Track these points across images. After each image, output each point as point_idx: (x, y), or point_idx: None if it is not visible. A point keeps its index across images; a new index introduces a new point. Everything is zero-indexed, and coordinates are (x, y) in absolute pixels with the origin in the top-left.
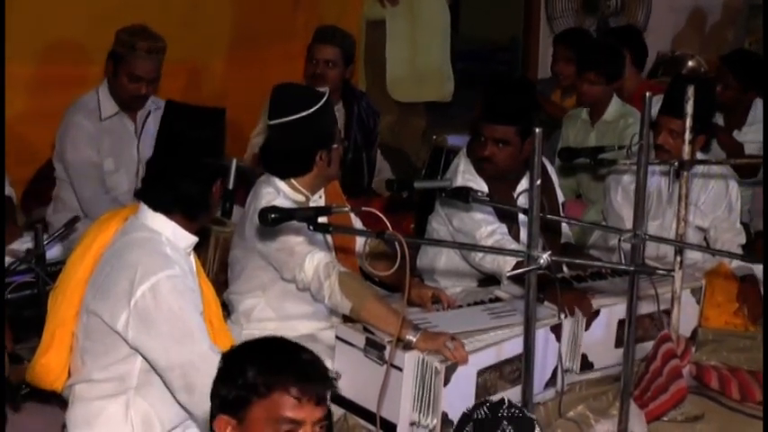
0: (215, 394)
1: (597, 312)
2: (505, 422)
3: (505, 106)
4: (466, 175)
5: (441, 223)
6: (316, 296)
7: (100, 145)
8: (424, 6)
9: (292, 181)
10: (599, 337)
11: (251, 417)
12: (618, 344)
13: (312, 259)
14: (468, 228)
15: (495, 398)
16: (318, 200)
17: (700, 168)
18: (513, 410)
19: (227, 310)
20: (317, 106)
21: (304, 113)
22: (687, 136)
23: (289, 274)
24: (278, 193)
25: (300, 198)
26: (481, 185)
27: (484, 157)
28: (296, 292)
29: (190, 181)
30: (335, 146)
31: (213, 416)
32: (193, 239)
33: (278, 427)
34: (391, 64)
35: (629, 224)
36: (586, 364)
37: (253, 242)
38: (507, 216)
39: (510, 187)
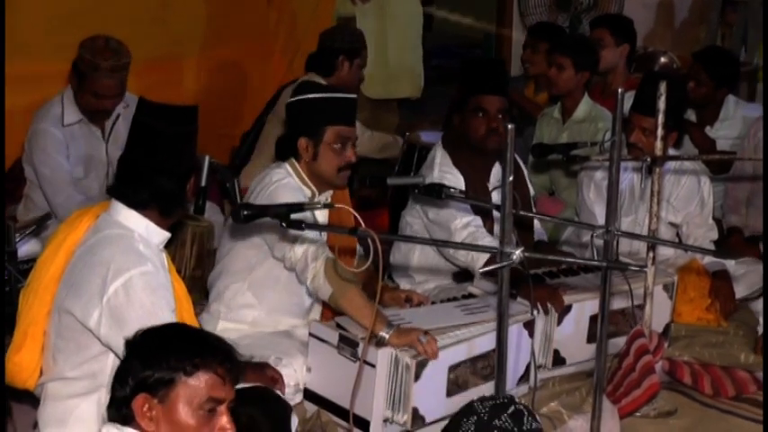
0: (132, 375)
1: (569, 308)
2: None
3: (500, 79)
4: (443, 168)
5: (415, 217)
6: (300, 276)
7: (68, 151)
8: (394, 4)
9: (298, 169)
10: (570, 333)
11: (174, 395)
12: (590, 339)
13: (304, 240)
14: (443, 219)
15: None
16: (324, 201)
17: (672, 164)
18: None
19: (207, 297)
20: (306, 96)
21: (293, 99)
22: (659, 132)
23: (279, 251)
24: (288, 175)
25: (307, 192)
26: (457, 177)
27: (492, 128)
28: (279, 281)
29: (166, 178)
30: (328, 141)
31: (127, 397)
32: (166, 235)
33: (201, 404)
34: None
35: (601, 220)
36: (558, 360)
37: None
38: (482, 210)
39: (484, 178)
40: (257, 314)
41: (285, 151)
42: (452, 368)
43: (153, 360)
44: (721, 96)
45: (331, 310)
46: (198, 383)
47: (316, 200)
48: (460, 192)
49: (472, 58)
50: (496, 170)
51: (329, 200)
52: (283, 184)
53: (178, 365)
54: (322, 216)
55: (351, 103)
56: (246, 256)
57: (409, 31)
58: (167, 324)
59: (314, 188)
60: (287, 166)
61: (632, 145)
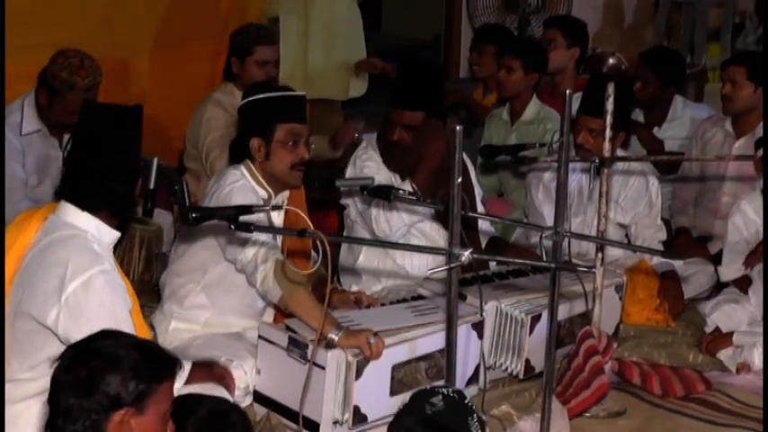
0: (102, 395)
1: (539, 316)
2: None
3: (414, 92)
4: (364, 158)
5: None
6: (249, 279)
7: (24, 159)
8: (319, 4)
9: (253, 170)
10: (541, 341)
11: (152, 403)
12: (558, 345)
13: (255, 242)
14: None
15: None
16: (280, 202)
17: (620, 165)
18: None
19: (156, 300)
20: (254, 97)
21: (242, 102)
22: (607, 133)
23: (231, 254)
24: (243, 177)
25: (262, 194)
26: (379, 169)
27: (392, 141)
28: (233, 283)
29: (116, 180)
30: (280, 139)
31: (98, 416)
32: (117, 235)
33: (168, 408)
34: (283, 62)
35: (550, 221)
36: (529, 369)
37: None
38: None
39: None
40: (209, 315)
41: (239, 154)
42: (396, 368)
43: (123, 374)
44: (668, 97)
45: (283, 313)
46: (168, 390)
47: (272, 202)
48: (409, 193)
49: (408, 63)
50: None
51: (285, 201)
52: (238, 186)
53: (153, 375)
54: (278, 219)
55: (299, 101)
56: (202, 257)
57: (340, 32)
58: (115, 334)
59: (269, 189)
60: (242, 167)
61: (580, 146)
